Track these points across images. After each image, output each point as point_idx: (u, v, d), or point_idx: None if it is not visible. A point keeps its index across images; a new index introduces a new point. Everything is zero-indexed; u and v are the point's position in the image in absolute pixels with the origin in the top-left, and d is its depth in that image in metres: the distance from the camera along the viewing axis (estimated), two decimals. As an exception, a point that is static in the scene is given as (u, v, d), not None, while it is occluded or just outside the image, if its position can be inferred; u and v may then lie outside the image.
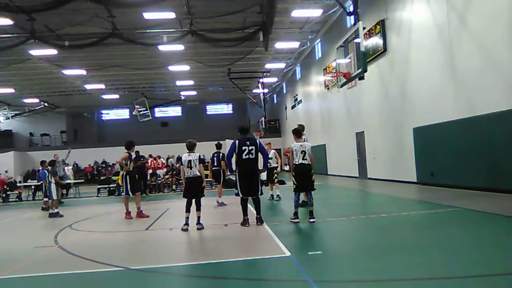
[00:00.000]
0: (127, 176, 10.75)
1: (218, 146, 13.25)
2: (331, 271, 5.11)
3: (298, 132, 8.70)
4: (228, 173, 11.89)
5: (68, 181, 19.10)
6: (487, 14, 10.60)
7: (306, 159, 8.30)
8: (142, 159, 17.56)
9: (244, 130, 8.63)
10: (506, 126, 10.07)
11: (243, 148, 8.25)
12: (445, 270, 4.68)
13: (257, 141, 8.53)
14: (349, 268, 5.13)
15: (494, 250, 5.39)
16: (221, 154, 12.95)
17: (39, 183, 16.61)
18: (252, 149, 8.27)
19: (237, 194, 8.42)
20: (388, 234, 6.93)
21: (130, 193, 10.73)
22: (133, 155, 11.31)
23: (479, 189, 11.03)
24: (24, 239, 8.81)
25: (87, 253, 6.49)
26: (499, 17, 10.15)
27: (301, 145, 8.37)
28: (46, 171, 13.88)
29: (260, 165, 8.62)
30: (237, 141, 8.37)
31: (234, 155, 8.41)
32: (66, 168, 18.75)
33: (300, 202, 8.61)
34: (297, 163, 8.30)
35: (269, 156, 12.58)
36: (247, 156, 8.24)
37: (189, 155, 8.51)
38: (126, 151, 10.87)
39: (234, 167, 8.51)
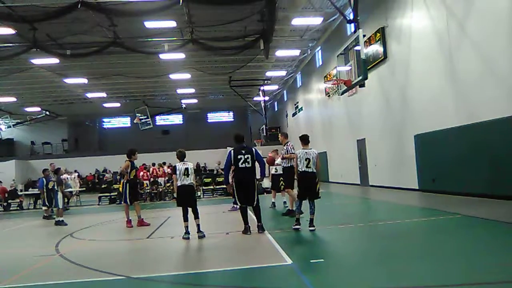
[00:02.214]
0: (127, 185, 10.72)
1: None
2: (334, 279, 5.08)
3: (305, 139, 8.58)
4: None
5: (70, 189, 19.10)
6: (486, 21, 10.64)
7: (310, 167, 8.20)
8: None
9: (239, 138, 8.58)
10: (506, 133, 10.05)
11: (239, 156, 8.22)
12: (448, 277, 4.65)
13: (253, 149, 8.49)
14: (352, 276, 5.10)
15: (497, 257, 5.36)
16: None
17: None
18: (248, 158, 8.23)
19: (234, 203, 8.42)
20: (391, 242, 6.89)
21: (128, 202, 10.74)
22: (135, 163, 11.24)
23: (480, 196, 10.99)
24: (25, 248, 8.78)
25: (88, 262, 6.46)
26: (499, 24, 10.18)
27: (306, 152, 8.26)
28: (44, 179, 13.98)
29: (258, 174, 8.63)
30: (232, 151, 8.35)
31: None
32: (73, 175, 18.81)
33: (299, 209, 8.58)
34: (300, 170, 8.27)
35: (277, 162, 12.57)
36: (244, 165, 8.20)
37: (184, 163, 8.49)
38: (128, 159, 10.82)
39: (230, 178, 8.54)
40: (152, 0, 16.30)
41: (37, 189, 19.50)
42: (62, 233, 10.18)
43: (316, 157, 8.37)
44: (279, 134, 10.55)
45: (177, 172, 8.43)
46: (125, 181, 10.79)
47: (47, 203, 14.13)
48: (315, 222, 8.22)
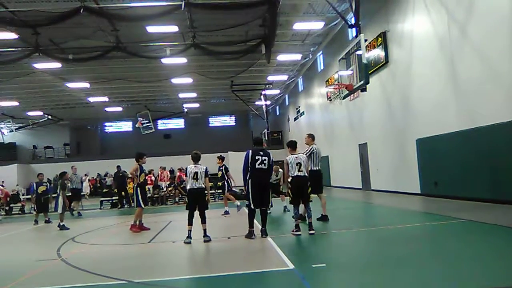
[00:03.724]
0: (138, 188, 10.59)
1: (222, 159, 13.86)
2: (335, 284, 5.06)
3: (293, 145, 8.77)
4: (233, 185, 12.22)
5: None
6: (487, 25, 10.64)
7: (301, 171, 8.36)
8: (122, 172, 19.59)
9: (258, 141, 8.75)
10: (508, 137, 10.04)
11: (257, 157, 8.23)
12: (451, 283, 4.64)
13: (270, 154, 8.52)
14: (354, 281, 5.08)
15: (500, 263, 5.34)
16: (223, 166, 13.79)
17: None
18: (265, 160, 8.25)
19: (248, 206, 8.34)
20: (393, 247, 6.87)
21: (143, 205, 10.60)
22: (144, 166, 11.09)
23: (483, 200, 10.95)
24: (26, 252, 8.79)
25: (90, 266, 6.47)
26: (500, 28, 10.18)
27: (296, 157, 8.44)
28: (34, 184, 14.16)
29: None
30: (250, 151, 8.34)
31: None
32: (83, 178, 18.93)
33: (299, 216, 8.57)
34: (293, 175, 8.33)
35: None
36: (260, 166, 8.22)
37: (195, 166, 8.49)
38: (136, 163, 10.65)
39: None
40: (154, 5, 16.34)
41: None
42: (63, 238, 10.18)
43: (306, 161, 8.57)
44: (306, 136, 10.25)
45: (187, 175, 8.47)
46: (135, 185, 10.68)
47: (35, 208, 14.17)
48: (314, 226, 8.23)
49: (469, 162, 11.62)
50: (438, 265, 5.40)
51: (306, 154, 9.48)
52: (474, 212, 9.60)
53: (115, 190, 20.23)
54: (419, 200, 13.55)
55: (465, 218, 8.85)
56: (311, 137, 10.22)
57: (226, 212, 13.07)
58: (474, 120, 11.33)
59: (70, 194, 18.25)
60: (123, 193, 19.36)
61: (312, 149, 9.79)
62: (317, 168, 9.84)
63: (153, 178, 21.34)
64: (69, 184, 17.67)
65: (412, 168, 14.82)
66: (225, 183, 13.65)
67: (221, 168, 13.76)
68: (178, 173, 22.55)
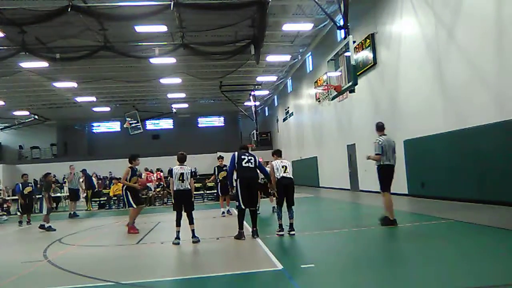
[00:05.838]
0: (128, 190, 10.40)
1: (223, 158, 13.92)
2: (323, 285, 5.08)
3: (278, 152, 9.01)
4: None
5: (58, 194, 18.94)
6: (474, 27, 10.78)
7: (287, 173, 8.48)
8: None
9: (243, 148, 8.88)
10: (494, 138, 10.18)
11: (242, 157, 8.36)
12: (437, 283, 4.68)
13: (255, 156, 8.65)
14: (342, 282, 5.11)
15: (485, 262, 5.40)
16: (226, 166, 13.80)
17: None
18: (251, 159, 8.39)
19: (238, 206, 8.34)
20: (381, 247, 6.93)
21: (134, 205, 10.41)
22: (136, 168, 10.95)
23: (469, 201, 11.09)
24: (12, 254, 8.67)
25: (77, 268, 6.39)
26: (487, 30, 10.33)
27: (281, 161, 8.63)
28: (20, 185, 13.97)
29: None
30: (236, 153, 8.50)
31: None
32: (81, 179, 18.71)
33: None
34: (279, 177, 8.44)
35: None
36: (247, 164, 8.32)
37: (181, 167, 8.43)
38: (130, 165, 10.49)
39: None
40: (143, 5, 16.26)
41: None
42: (50, 239, 10.06)
43: (291, 165, 8.75)
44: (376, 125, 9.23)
45: (173, 176, 8.41)
46: (124, 186, 10.51)
47: (20, 210, 13.96)
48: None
49: (456, 163, 11.75)
50: (425, 264, 5.45)
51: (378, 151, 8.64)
52: (461, 213, 9.70)
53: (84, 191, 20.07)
54: (406, 201, 13.66)
55: (452, 218, 8.94)
56: (377, 127, 9.22)
57: (223, 212, 13.14)
58: (461, 122, 11.46)
59: (67, 194, 18.21)
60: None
61: (380, 143, 8.70)
62: (389, 163, 8.67)
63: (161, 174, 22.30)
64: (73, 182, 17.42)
65: (399, 169, 14.76)
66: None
67: (224, 168, 13.64)
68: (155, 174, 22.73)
